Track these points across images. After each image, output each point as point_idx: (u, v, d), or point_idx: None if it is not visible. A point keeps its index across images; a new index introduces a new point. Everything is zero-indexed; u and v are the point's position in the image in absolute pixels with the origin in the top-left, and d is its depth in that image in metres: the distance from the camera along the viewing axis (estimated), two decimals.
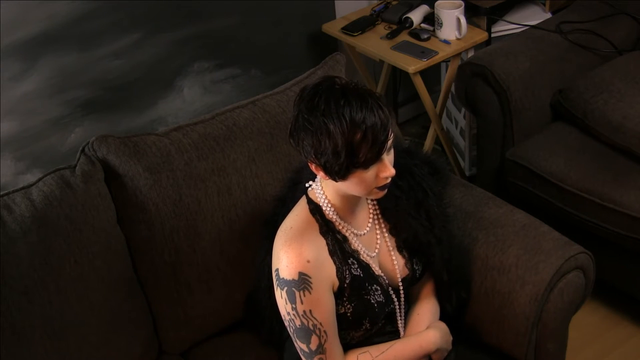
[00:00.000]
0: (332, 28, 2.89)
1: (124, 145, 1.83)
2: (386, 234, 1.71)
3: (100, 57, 2.52)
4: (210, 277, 1.90)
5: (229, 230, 1.89)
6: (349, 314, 1.61)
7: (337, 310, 1.60)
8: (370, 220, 1.69)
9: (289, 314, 1.56)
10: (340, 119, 1.43)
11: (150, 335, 1.90)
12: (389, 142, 1.48)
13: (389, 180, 1.52)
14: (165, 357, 1.94)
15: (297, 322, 1.55)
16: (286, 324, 1.59)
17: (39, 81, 2.43)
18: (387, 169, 1.50)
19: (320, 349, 1.56)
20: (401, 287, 1.70)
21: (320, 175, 1.53)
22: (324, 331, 1.56)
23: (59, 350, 1.71)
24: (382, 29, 2.85)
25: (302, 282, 1.53)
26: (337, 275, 1.59)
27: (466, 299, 1.81)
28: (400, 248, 1.71)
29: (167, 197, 1.83)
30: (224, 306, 1.94)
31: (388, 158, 1.51)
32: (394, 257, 1.70)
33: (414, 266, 1.71)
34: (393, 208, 1.70)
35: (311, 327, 1.55)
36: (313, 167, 1.53)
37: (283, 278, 1.55)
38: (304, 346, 1.57)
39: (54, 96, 2.48)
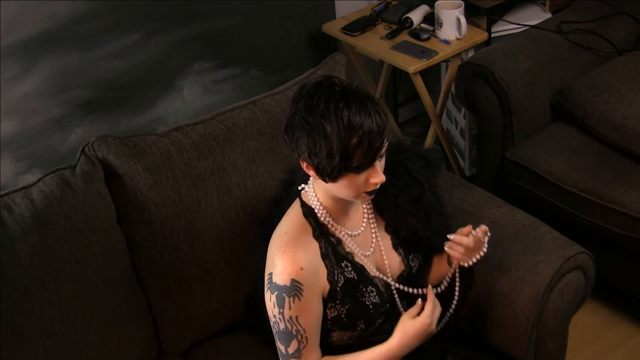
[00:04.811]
0: (332, 28, 2.89)
1: (124, 146, 1.83)
2: (382, 232, 1.71)
3: (100, 57, 2.52)
4: (210, 277, 1.90)
5: (229, 230, 1.89)
6: (343, 316, 1.61)
7: (331, 313, 1.61)
8: (365, 219, 1.68)
9: (274, 316, 1.57)
10: (338, 122, 1.43)
11: (150, 335, 1.90)
12: (383, 149, 1.48)
13: (377, 186, 1.52)
14: (165, 357, 1.94)
15: (281, 326, 1.56)
16: (271, 322, 1.60)
17: (39, 81, 2.43)
18: (378, 175, 1.49)
19: (297, 354, 1.58)
20: (398, 285, 1.70)
21: (311, 174, 1.53)
22: (306, 337, 1.57)
23: (59, 350, 1.71)
24: (382, 29, 2.85)
25: (294, 289, 1.53)
26: (327, 279, 1.59)
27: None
28: (395, 245, 1.71)
29: (167, 197, 1.83)
30: (224, 306, 1.94)
31: (380, 164, 1.51)
32: (390, 255, 1.70)
33: (410, 263, 1.72)
34: (392, 208, 1.70)
35: (294, 332, 1.56)
36: (304, 166, 1.52)
37: (275, 283, 1.55)
38: (282, 347, 1.59)
39: (54, 96, 2.47)
